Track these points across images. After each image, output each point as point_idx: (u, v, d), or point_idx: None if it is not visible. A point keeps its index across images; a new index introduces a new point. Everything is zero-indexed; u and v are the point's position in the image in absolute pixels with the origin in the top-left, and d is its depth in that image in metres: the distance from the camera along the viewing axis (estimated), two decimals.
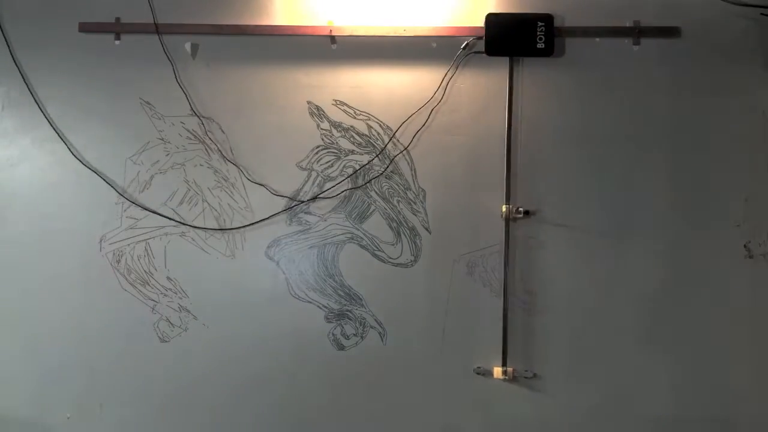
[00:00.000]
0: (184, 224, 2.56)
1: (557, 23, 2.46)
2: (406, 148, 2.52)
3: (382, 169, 2.53)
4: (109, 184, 2.58)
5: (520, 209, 2.44)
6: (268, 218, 2.55)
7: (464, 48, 2.49)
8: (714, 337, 2.42)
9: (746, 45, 2.46)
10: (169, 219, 2.56)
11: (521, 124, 2.48)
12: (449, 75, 2.50)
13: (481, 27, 2.47)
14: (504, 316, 2.45)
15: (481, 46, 2.48)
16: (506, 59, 2.48)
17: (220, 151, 2.56)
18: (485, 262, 2.49)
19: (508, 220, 2.46)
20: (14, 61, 2.63)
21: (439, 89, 2.50)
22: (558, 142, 2.48)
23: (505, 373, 2.43)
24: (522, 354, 2.46)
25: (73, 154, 2.58)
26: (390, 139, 2.52)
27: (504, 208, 2.45)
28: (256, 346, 2.54)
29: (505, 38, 2.46)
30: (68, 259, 2.59)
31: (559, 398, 2.45)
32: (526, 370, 2.45)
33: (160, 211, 2.58)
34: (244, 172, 2.55)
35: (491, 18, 2.46)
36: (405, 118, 2.52)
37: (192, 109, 2.56)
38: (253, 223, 2.55)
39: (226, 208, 2.58)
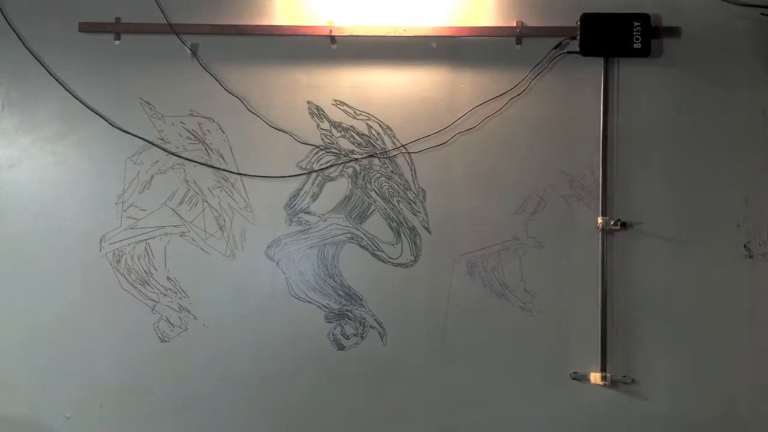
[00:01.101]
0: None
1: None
2: (407, 149, 2.52)
3: (385, 171, 2.53)
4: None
5: (618, 220, 2.42)
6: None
7: (556, 47, 2.48)
8: (714, 337, 2.42)
9: (746, 45, 2.46)
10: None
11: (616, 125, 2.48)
12: (534, 72, 2.48)
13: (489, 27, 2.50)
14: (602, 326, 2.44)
15: (574, 45, 2.47)
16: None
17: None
18: (485, 262, 2.49)
19: (605, 231, 2.43)
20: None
21: (523, 82, 2.49)
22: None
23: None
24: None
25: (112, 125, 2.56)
26: (397, 143, 2.52)
27: (600, 220, 2.43)
28: (256, 346, 2.54)
29: (600, 38, 2.44)
30: (68, 259, 2.59)
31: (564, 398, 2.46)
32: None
33: (159, 211, 2.58)
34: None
35: (585, 17, 2.44)
36: (405, 118, 2.52)
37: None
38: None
39: (226, 208, 2.58)
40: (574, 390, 2.44)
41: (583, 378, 2.42)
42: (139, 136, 2.59)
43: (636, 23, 2.42)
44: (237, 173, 2.57)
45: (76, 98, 2.62)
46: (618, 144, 2.47)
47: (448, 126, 2.51)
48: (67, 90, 2.62)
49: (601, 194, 2.45)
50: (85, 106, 2.61)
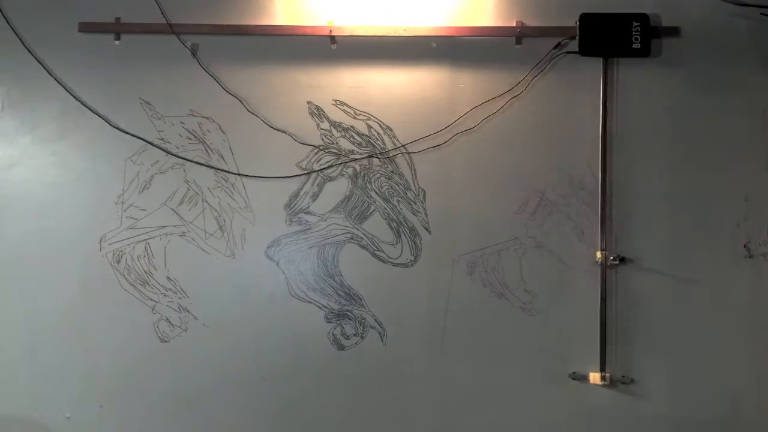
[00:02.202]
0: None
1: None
2: (408, 151, 2.52)
3: (386, 171, 2.53)
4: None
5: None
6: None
7: (556, 47, 2.48)
8: (714, 337, 2.42)
9: (746, 45, 2.46)
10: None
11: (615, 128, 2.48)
12: (534, 72, 2.49)
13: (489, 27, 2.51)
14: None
15: (573, 45, 2.47)
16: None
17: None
18: (485, 262, 2.49)
19: (604, 233, 2.44)
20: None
21: (519, 85, 2.49)
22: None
23: None
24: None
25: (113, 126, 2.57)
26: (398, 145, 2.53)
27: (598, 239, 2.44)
28: (256, 346, 2.54)
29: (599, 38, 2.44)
30: (68, 259, 2.59)
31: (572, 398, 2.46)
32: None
33: (159, 211, 2.58)
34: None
35: (584, 17, 2.44)
36: (405, 118, 2.52)
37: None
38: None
39: (225, 208, 2.58)
40: (574, 390, 2.44)
41: (583, 378, 2.42)
42: (139, 136, 2.59)
43: (635, 23, 2.42)
44: (237, 173, 2.57)
45: (76, 98, 2.62)
46: (617, 144, 2.47)
47: (448, 126, 2.51)
48: (67, 90, 2.62)
49: (600, 193, 2.45)
50: (85, 106, 2.61)
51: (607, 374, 2.40)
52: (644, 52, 2.42)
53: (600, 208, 2.44)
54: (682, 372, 2.42)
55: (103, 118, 2.60)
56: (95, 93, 2.62)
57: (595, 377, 2.40)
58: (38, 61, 2.63)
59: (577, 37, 2.44)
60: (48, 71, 2.63)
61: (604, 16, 2.44)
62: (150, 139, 2.60)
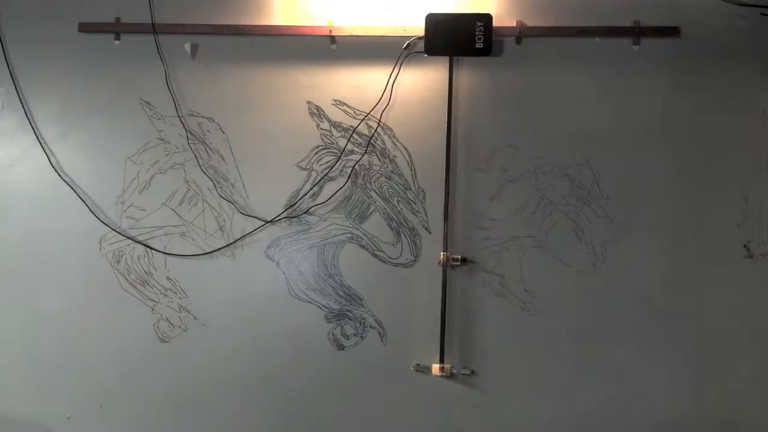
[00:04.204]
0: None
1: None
2: (409, 152, 2.52)
3: (385, 171, 2.53)
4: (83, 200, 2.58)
5: None
6: (272, 220, 2.55)
7: (405, 48, 2.49)
8: (714, 337, 2.42)
9: (746, 45, 2.46)
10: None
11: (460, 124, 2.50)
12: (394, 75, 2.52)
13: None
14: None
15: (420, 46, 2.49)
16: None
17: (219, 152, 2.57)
18: (485, 262, 2.49)
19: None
20: (14, 61, 2.63)
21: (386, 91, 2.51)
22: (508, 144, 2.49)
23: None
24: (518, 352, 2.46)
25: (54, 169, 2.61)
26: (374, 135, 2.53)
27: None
28: (256, 346, 2.54)
29: (444, 38, 2.46)
30: (68, 259, 2.59)
31: (568, 399, 2.46)
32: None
33: (159, 211, 2.58)
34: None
35: (430, 18, 2.46)
36: (405, 118, 2.52)
37: (178, 112, 2.57)
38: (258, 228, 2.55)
39: (225, 208, 2.58)
40: (573, 390, 2.44)
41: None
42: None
43: (479, 23, 2.43)
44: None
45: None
46: (619, 142, 2.47)
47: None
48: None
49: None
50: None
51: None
52: (486, 52, 2.43)
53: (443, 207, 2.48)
54: (682, 372, 2.42)
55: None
56: (95, 93, 2.62)
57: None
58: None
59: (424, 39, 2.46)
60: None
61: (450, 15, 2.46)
62: (150, 139, 2.59)
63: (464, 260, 2.46)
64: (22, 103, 2.64)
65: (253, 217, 2.55)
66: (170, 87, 2.58)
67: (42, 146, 2.63)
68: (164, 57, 2.59)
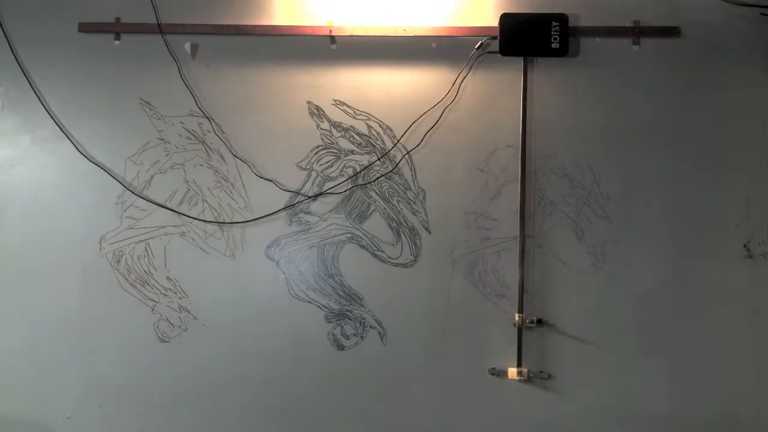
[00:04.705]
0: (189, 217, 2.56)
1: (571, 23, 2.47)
2: (409, 152, 2.52)
3: (385, 171, 2.53)
4: (116, 179, 2.58)
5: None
6: (271, 214, 2.55)
7: (478, 48, 2.49)
8: (714, 337, 2.42)
9: (746, 45, 2.46)
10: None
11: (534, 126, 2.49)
12: (463, 74, 2.50)
13: (488, 26, 2.49)
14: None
15: (494, 45, 2.48)
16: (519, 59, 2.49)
17: (219, 151, 2.57)
18: (485, 262, 2.49)
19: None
20: (15, 61, 2.63)
21: (452, 88, 2.50)
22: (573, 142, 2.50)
23: (520, 374, 2.43)
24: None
25: (79, 151, 2.58)
26: (395, 143, 2.53)
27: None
28: (256, 346, 2.54)
29: (519, 38, 2.45)
30: (68, 259, 2.59)
31: (568, 398, 2.45)
32: (541, 372, 2.45)
33: (159, 211, 2.58)
34: (253, 168, 2.55)
35: (505, 18, 2.45)
36: (405, 118, 2.52)
37: (198, 104, 2.56)
38: (256, 219, 2.55)
39: (225, 208, 2.58)
40: (572, 390, 2.44)
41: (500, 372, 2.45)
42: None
43: (554, 23, 2.42)
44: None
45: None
46: (618, 142, 2.47)
47: (403, 134, 2.51)
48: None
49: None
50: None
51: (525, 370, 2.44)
52: (562, 52, 2.43)
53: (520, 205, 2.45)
54: (683, 372, 2.42)
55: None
56: (95, 93, 2.62)
57: (512, 372, 2.40)
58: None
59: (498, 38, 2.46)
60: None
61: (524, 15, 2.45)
62: (150, 139, 2.60)
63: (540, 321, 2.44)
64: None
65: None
66: (186, 82, 2.57)
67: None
68: (171, 56, 2.58)
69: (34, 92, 2.63)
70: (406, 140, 2.53)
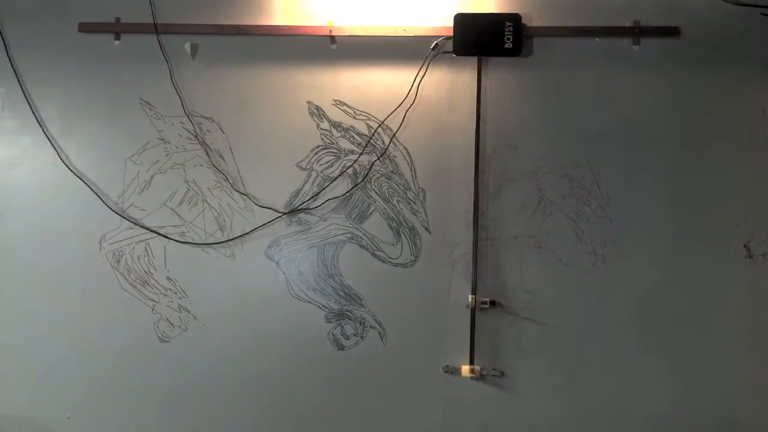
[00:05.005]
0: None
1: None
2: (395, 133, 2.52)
3: (377, 167, 2.54)
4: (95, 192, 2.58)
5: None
6: (269, 222, 2.55)
7: (434, 48, 2.49)
8: (714, 337, 2.42)
9: (746, 45, 2.46)
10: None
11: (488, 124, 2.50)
12: (420, 75, 2.51)
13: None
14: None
15: (449, 46, 2.49)
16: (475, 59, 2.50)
17: (219, 153, 2.57)
18: (485, 262, 2.49)
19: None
20: (14, 61, 2.63)
21: (411, 89, 2.51)
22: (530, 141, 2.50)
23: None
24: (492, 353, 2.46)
25: (63, 162, 2.60)
26: (391, 139, 2.53)
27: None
28: (256, 346, 2.54)
29: (473, 38, 2.46)
30: (68, 259, 2.59)
31: (569, 399, 2.45)
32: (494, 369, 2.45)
33: (159, 211, 2.58)
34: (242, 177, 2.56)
35: (459, 18, 2.46)
36: (405, 118, 2.52)
37: (185, 110, 2.57)
38: (254, 229, 2.55)
39: (225, 208, 2.58)
40: (574, 389, 2.44)
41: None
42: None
43: (507, 23, 2.43)
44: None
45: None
46: (619, 142, 2.47)
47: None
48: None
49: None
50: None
51: (477, 368, 2.43)
52: (516, 52, 2.44)
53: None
54: (683, 372, 2.42)
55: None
56: (95, 93, 2.62)
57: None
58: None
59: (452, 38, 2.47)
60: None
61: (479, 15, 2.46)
62: (150, 139, 2.60)
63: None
64: (22, 103, 2.64)
65: (268, 208, 2.55)
66: (175, 85, 2.58)
67: (42, 146, 2.63)
68: (166, 56, 2.59)
69: (34, 92, 2.63)
70: (408, 140, 2.53)
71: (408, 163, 2.53)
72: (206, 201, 2.59)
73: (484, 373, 2.45)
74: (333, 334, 2.53)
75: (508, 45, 2.44)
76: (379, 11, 2.55)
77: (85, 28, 2.63)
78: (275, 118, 2.57)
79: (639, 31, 2.47)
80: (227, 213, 2.58)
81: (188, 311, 2.57)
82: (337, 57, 2.57)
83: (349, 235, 2.54)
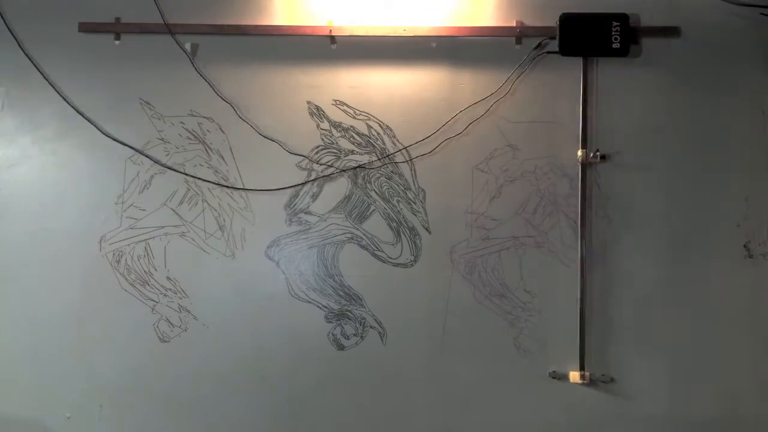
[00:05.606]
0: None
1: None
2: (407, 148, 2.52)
3: (386, 169, 2.54)
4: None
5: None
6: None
7: (536, 48, 2.48)
8: (714, 336, 2.42)
9: (746, 45, 2.46)
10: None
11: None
12: (517, 72, 2.50)
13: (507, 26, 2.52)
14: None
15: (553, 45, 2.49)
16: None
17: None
18: (485, 262, 2.49)
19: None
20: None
21: (506, 83, 2.50)
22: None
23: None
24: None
25: (104, 133, 2.59)
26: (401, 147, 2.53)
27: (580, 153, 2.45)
28: (256, 346, 2.54)
29: (579, 38, 2.45)
30: (68, 259, 2.59)
31: (568, 399, 2.46)
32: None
33: (159, 211, 2.58)
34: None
35: (564, 18, 2.45)
36: (405, 118, 2.52)
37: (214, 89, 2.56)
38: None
39: (225, 208, 2.58)
40: (573, 390, 2.44)
41: (563, 377, 2.44)
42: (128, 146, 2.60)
43: (615, 23, 2.41)
44: (243, 188, 2.57)
45: (76, 98, 2.62)
46: (619, 142, 2.47)
47: (439, 129, 2.51)
48: (67, 90, 2.62)
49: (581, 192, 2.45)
50: (85, 106, 2.61)
51: (587, 373, 2.41)
52: (624, 52, 2.42)
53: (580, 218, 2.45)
54: (681, 371, 2.42)
55: (103, 118, 2.60)
56: (95, 93, 2.62)
57: (574, 376, 2.41)
58: (38, 61, 2.63)
59: (557, 37, 2.45)
60: (48, 71, 2.63)
61: (584, 16, 2.44)
62: (150, 139, 2.60)
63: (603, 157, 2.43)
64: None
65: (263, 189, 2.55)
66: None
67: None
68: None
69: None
70: (407, 140, 2.53)
71: (408, 164, 2.53)
72: (206, 201, 2.59)
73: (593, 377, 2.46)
74: (333, 334, 2.53)
75: (616, 45, 2.42)
76: (379, 11, 2.55)
77: (85, 28, 2.63)
78: (275, 118, 2.57)
79: (639, 32, 2.47)
80: (227, 213, 2.58)
81: (188, 311, 2.57)
82: (337, 57, 2.57)
83: (349, 235, 2.54)
